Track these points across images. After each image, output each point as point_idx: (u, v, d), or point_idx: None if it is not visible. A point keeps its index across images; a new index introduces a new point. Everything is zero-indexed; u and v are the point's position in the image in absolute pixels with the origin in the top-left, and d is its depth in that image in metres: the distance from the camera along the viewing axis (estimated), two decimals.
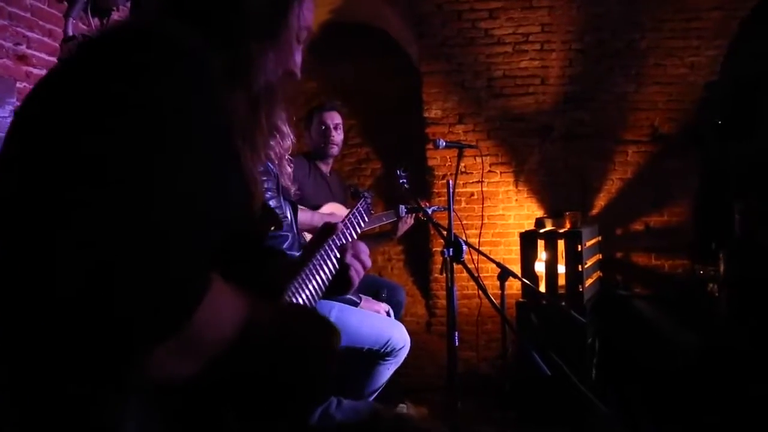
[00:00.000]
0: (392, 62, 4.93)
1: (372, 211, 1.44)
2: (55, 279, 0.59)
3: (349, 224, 1.25)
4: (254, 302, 0.77)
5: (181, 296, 0.63)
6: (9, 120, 2.07)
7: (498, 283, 2.88)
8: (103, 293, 0.58)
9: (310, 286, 1.07)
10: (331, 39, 5.06)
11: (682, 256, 4.26)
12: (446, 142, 3.14)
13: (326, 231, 1.16)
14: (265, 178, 1.77)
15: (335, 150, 3.30)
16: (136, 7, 0.92)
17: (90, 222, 0.60)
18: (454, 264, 2.44)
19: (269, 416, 0.76)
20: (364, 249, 1.18)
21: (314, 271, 1.08)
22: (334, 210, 3.18)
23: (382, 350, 2.42)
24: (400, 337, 2.47)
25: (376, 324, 2.47)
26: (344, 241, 1.17)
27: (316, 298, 1.08)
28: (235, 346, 0.71)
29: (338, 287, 1.15)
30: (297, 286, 1.05)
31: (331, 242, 1.14)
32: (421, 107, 4.38)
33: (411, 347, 2.60)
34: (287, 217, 2.02)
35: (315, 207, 3.13)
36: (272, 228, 1.06)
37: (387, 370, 2.53)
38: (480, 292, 2.22)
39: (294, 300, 1.04)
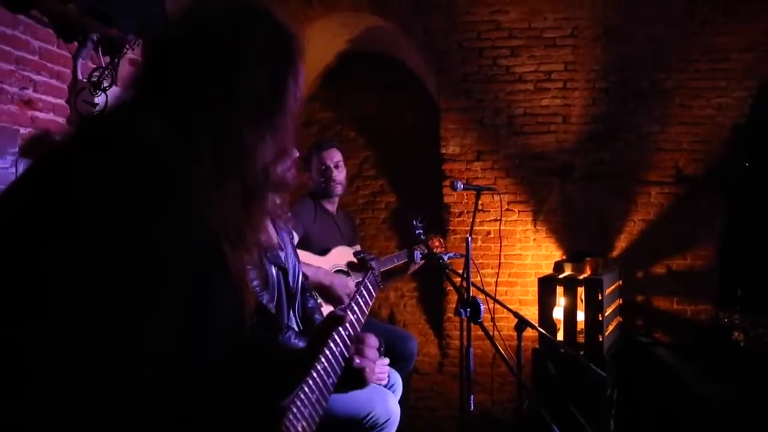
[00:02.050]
0: (410, 94, 4.87)
1: (378, 282, 1.35)
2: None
3: (358, 301, 1.18)
4: None
5: None
6: (10, 170, 2.00)
7: (514, 330, 2.78)
8: None
9: (325, 380, 1.02)
10: (348, 69, 5.03)
11: (705, 301, 4.13)
12: (464, 184, 3.09)
13: (331, 322, 1.05)
14: None
15: (339, 189, 3.25)
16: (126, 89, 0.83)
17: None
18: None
19: None
20: (372, 343, 1.11)
21: (324, 373, 1.02)
22: (342, 254, 3.09)
23: (364, 422, 2.19)
24: (384, 410, 2.22)
25: (358, 393, 2.27)
26: (352, 333, 1.10)
27: (330, 391, 1.03)
28: None
29: (351, 384, 1.09)
30: (311, 384, 0.99)
31: (337, 337, 1.05)
32: (439, 142, 4.31)
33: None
34: (271, 275, 1.90)
35: (324, 251, 3.04)
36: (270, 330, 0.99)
37: None
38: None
39: (308, 396, 0.98)
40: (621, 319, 4.02)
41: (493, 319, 3.45)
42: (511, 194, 4.21)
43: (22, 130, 2.15)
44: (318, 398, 1.00)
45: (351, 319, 1.10)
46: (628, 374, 3.77)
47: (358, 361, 1.07)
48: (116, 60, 2.76)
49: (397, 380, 2.54)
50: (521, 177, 4.21)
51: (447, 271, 2.64)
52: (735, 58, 3.86)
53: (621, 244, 4.20)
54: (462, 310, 2.28)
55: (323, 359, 1.02)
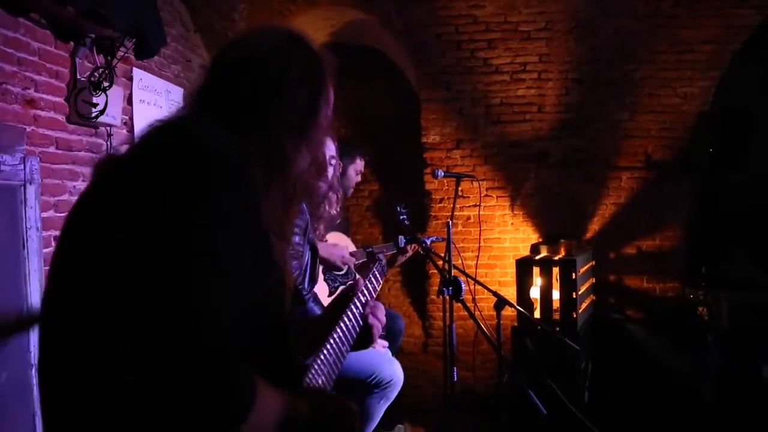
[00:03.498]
0: (390, 84, 4.98)
1: (385, 270, 1.59)
2: (118, 379, 0.68)
3: (369, 284, 1.39)
4: (290, 399, 0.88)
5: (234, 404, 0.72)
6: (19, 167, 2.12)
7: (494, 309, 2.94)
8: (181, 402, 0.68)
9: (341, 347, 1.23)
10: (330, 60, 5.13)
11: (673, 279, 4.35)
12: (445, 172, 3.23)
13: (347, 294, 1.30)
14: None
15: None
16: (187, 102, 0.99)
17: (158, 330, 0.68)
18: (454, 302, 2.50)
19: None
20: (381, 308, 1.34)
21: (343, 334, 1.25)
22: (337, 239, 3.25)
23: (369, 381, 2.46)
24: (388, 371, 2.50)
25: (365, 356, 2.51)
26: (364, 301, 1.32)
27: (345, 355, 1.24)
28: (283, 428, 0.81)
29: (361, 342, 1.30)
30: (329, 347, 1.21)
31: (353, 305, 1.28)
32: (420, 131, 4.44)
33: (407, 367, 2.65)
34: (305, 258, 2.14)
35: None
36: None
37: (377, 405, 2.57)
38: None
39: (327, 358, 1.19)
40: (594, 297, 4.21)
41: (474, 300, 3.59)
42: (489, 180, 4.37)
43: (27, 128, 2.25)
44: (335, 359, 1.21)
45: (363, 298, 1.32)
46: (601, 348, 3.95)
47: (371, 319, 1.29)
48: (109, 59, 2.87)
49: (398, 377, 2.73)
50: (499, 164, 4.37)
51: (430, 254, 2.80)
52: (699, 50, 4.04)
53: (594, 226, 4.39)
54: (444, 289, 2.42)
55: (339, 328, 1.24)
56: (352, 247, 3.27)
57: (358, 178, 3.54)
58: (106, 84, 2.36)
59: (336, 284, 2.93)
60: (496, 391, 4.24)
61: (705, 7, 3.87)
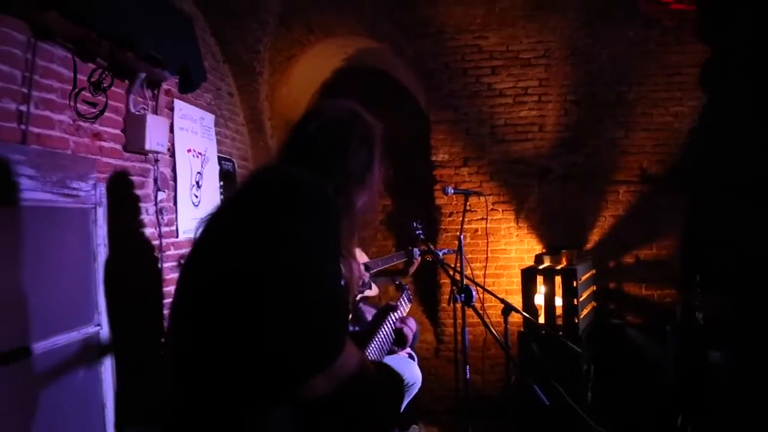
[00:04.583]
0: (401, 106, 5.29)
1: (410, 296, 2.08)
2: (267, 337, 1.04)
3: (402, 303, 1.97)
4: (364, 357, 1.27)
5: (335, 347, 1.10)
6: (91, 192, 2.46)
7: (501, 315, 3.22)
8: (296, 346, 1.04)
9: (382, 345, 1.73)
10: (344, 84, 5.47)
11: (670, 286, 4.57)
12: (454, 189, 3.51)
13: (387, 309, 1.81)
14: None
15: None
16: (285, 156, 1.36)
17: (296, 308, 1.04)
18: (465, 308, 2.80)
19: (366, 426, 1.21)
20: (412, 321, 1.85)
21: (384, 336, 1.74)
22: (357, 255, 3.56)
23: None
24: (411, 374, 2.81)
25: (392, 361, 2.84)
26: (398, 316, 1.83)
27: (384, 351, 1.74)
28: (355, 376, 1.18)
29: (397, 343, 1.81)
30: (374, 344, 1.69)
31: (390, 318, 1.79)
32: (430, 150, 4.75)
33: (420, 371, 2.95)
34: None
35: None
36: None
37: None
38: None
39: (372, 351, 1.66)
40: (595, 304, 4.47)
41: (483, 307, 3.86)
42: (495, 195, 4.66)
43: (95, 158, 2.60)
44: (377, 354, 1.66)
45: (398, 314, 1.84)
46: (603, 352, 4.18)
47: (405, 329, 1.78)
48: (155, 92, 3.22)
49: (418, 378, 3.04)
50: (504, 180, 4.67)
51: (444, 265, 3.09)
52: (686, 72, 4.35)
53: (594, 237, 4.65)
54: (457, 296, 2.71)
55: (381, 332, 1.72)
56: (365, 259, 3.57)
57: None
58: (105, 84, 2.53)
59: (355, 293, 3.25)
60: (505, 393, 4.49)
61: (687, 36, 4.18)
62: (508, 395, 4.18)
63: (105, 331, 2.51)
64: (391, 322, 1.77)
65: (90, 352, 2.42)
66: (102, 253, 2.53)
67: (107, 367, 2.52)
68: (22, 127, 2.16)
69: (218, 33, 4.18)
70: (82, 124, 2.52)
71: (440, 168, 4.75)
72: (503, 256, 4.71)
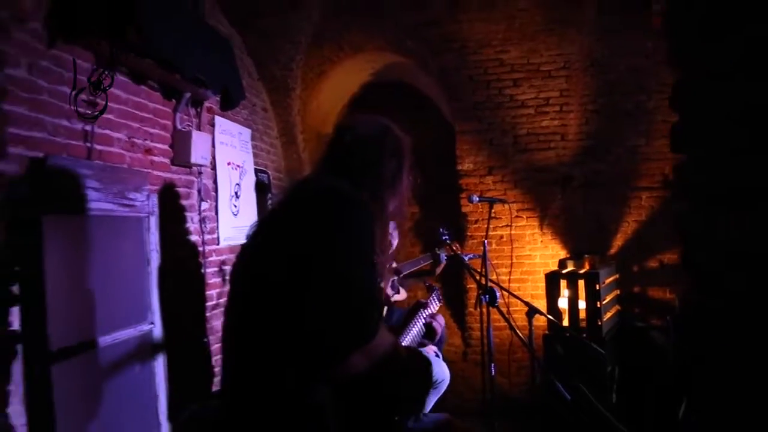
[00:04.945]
0: (426, 117, 5.49)
1: (439, 297, 2.30)
2: (313, 318, 1.24)
3: (432, 301, 2.18)
4: (396, 340, 1.46)
5: (371, 328, 1.29)
6: (145, 202, 2.71)
7: (526, 318, 3.35)
8: (338, 326, 1.24)
9: (414, 339, 1.98)
10: (371, 97, 5.69)
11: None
12: (479, 197, 3.65)
13: (418, 305, 2.06)
14: None
15: None
16: (325, 168, 1.56)
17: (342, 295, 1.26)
18: (490, 308, 2.96)
19: (397, 404, 1.40)
20: (441, 318, 2.10)
21: (417, 331, 1.98)
22: None
23: None
24: (439, 371, 2.96)
25: None
26: (429, 313, 2.09)
27: (416, 343, 1.99)
28: (388, 356, 1.36)
29: (427, 337, 2.05)
30: (410, 336, 1.91)
31: (423, 313, 2.04)
32: (455, 160, 4.93)
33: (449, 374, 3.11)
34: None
35: None
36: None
37: (429, 399, 3.05)
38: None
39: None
40: (620, 308, 4.53)
41: (508, 311, 4.00)
42: (519, 203, 4.80)
43: (147, 172, 2.85)
44: (414, 343, 1.91)
45: (429, 310, 2.09)
46: (626, 354, 4.26)
47: (434, 324, 2.01)
48: (198, 110, 3.48)
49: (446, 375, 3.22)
50: (527, 188, 4.81)
51: (469, 269, 3.26)
52: None
53: (617, 242, 4.74)
54: (482, 297, 2.87)
55: (414, 327, 1.95)
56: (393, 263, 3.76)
57: None
58: (105, 84, 2.51)
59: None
60: (530, 395, 4.60)
61: None
62: (533, 397, 4.29)
63: (157, 329, 2.75)
64: (422, 317, 1.97)
65: (144, 347, 2.66)
66: (154, 258, 2.78)
67: (159, 362, 2.76)
68: (88, 144, 2.42)
69: (254, 52, 4.45)
70: (136, 140, 2.78)
71: (465, 177, 4.91)
72: (528, 261, 4.83)
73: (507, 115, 4.76)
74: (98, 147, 2.49)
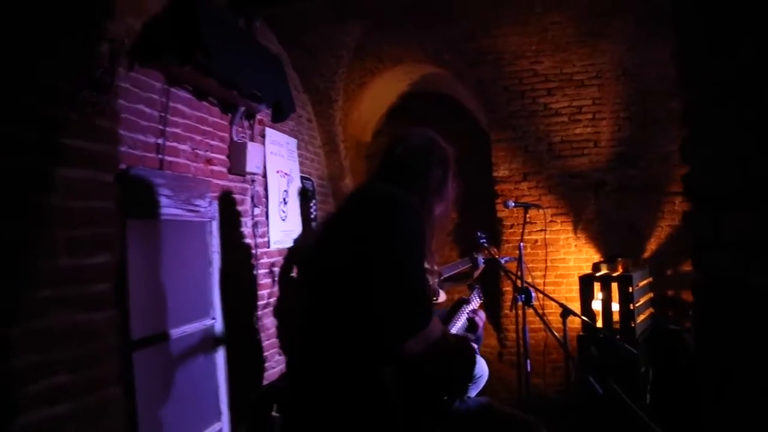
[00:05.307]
0: (462, 124, 5.66)
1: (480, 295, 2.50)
2: (376, 306, 1.44)
3: (474, 298, 2.33)
4: (446, 329, 1.69)
5: (425, 317, 1.48)
6: (208, 208, 2.97)
7: (560, 319, 3.48)
8: (397, 313, 1.44)
9: (458, 329, 2.12)
10: (408, 107, 5.91)
11: None
12: (515, 203, 3.80)
13: (461, 301, 2.21)
14: None
15: None
16: (381, 174, 1.76)
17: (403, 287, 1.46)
18: (526, 308, 3.11)
19: (446, 384, 1.59)
20: (482, 313, 2.23)
21: (460, 324, 2.13)
22: None
23: None
24: (479, 366, 3.14)
25: None
26: (472, 308, 2.24)
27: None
28: (440, 341, 1.56)
29: (469, 330, 2.17)
30: (454, 329, 2.09)
31: (466, 308, 2.20)
32: (491, 167, 5.10)
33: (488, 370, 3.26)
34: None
35: None
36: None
37: (469, 393, 3.22)
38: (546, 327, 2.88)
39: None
40: (653, 311, 4.60)
41: (543, 313, 4.12)
42: (553, 208, 4.93)
43: (209, 180, 3.12)
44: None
45: (471, 306, 2.22)
46: (660, 355, 4.33)
47: (476, 319, 2.15)
48: (251, 122, 3.75)
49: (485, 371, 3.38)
50: (562, 193, 4.94)
51: (506, 271, 3.41)
52: None
53: (651, 246, 4.81)
54: (518, 297, 3.03)
55: (456, 320, 2.12)
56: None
57: None
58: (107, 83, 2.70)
59: None
60: (565, 395, 4.70)
61: None
62: (568, 396, 4.39)
63: (219, 324, 3.01)
64: (464, 311, 2.15)
65: (207, 340, 2.92)
66: (216, 259, 3.04)
67: (220, 355, 3.02)
68: (159, 156, 2.70)
69: (299, 67, 4.72)
70: (198, 151, 3.06)
71: (501, 183, 5.07)
72: (562, 265, 4.94)
73: (541, 123, 4.91)
74: (168, 158, 2.76)
